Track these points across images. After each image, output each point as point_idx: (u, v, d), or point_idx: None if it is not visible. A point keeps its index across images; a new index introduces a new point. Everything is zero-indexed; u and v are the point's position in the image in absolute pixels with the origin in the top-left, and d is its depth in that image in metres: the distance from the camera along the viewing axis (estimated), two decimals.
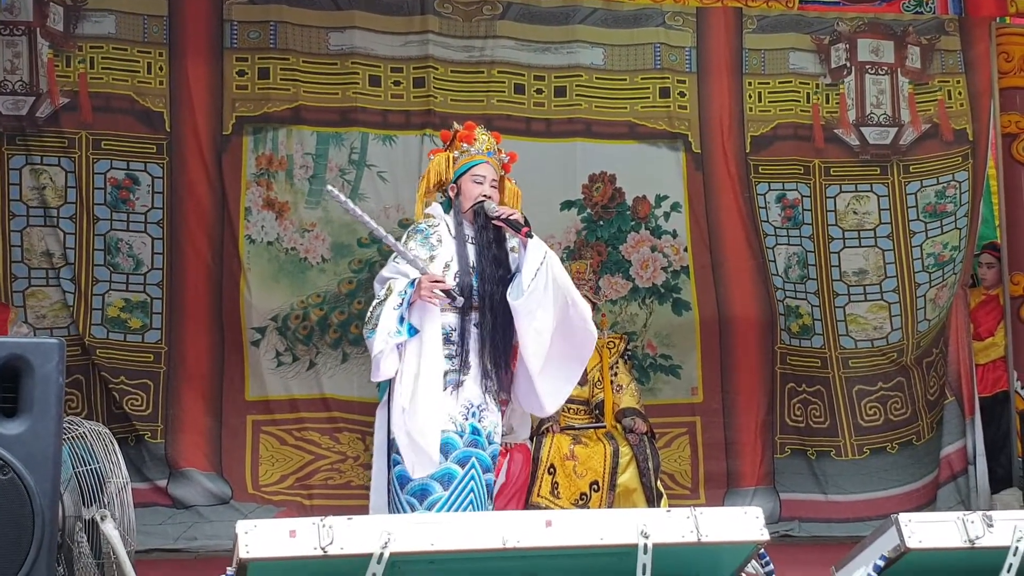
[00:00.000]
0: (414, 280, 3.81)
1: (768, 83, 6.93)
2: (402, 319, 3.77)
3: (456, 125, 4.15)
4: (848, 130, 6.95)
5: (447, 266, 3.91)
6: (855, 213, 6.93)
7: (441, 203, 4.10)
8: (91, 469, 3.78)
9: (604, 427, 5.84)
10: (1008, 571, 3.18)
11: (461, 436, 3.81)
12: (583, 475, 5.61)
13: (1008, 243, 6.97)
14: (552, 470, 5.60)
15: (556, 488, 5.58)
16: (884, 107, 6.96)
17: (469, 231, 3.98)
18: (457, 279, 3.89)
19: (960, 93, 6.96)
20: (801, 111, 6.93)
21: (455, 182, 4.04)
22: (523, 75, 6.76)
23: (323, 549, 2.79)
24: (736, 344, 6.79)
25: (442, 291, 3.79)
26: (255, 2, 6.57)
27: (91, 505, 3.75)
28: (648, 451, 5.72)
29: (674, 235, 6.84)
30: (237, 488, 6.31)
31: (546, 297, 3.84)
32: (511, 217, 3.91)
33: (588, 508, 5.47)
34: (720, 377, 6.77)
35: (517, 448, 5.45)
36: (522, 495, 5.50)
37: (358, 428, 6.38)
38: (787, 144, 6.92)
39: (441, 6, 6.69)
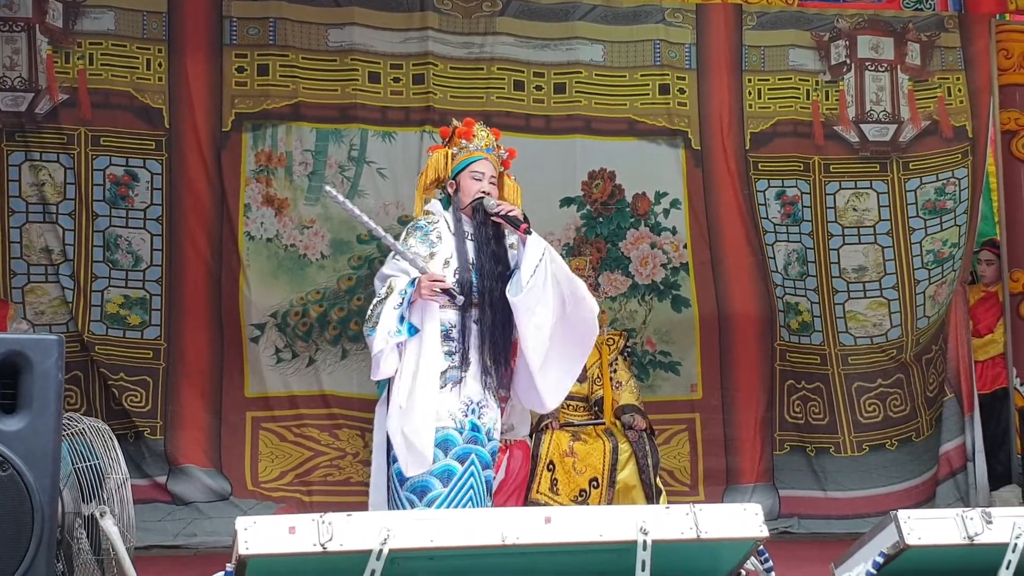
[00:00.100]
0: (414, 279, 3.81)
1: (768, 80, 6.93)
2: (402, 318, 3.77)
3: (455, 121, 4.14)
4: (848, 127, 6.95)
5: (447, 263, 3.91)
6: (855, 210, 6.93)
7: (440, 199, 4.10)
8: (90, 465, 3.78)
9: (603, 424, 5.84)
10: (1007, 568, 3.18)
11: (461, 433, 3.81)
12: (582, 472, 5.62)
13: (1007, 240, 6.97)
14: (551, 467, 5.60)
15: (555, 485, 5.58)
16: (884, 104, 6.96)
17: (468, 227, 3.98)
18: (457, 276, 3.88)
19: (960, 90, 6.96)
20: (801, 108, 6.93)
21: (454, 178, 4.03)
22: (523, 72, 6.76)
23: (322, 545, 2.79)
24: (735, 341, 6.79)
25: (442, 290, 3.78)
26: None
27: (90, 501, 3.75)
28: (647, 448, 5.72)
29: (674, 232, 6.84)
30: (237, 484, 6.31)
31: (545, 293, 3.84)
32: (510, 213, 3.91)
33: (587, 505, 5.47)
34: (719, 374, 6.77)
35: (516, 445, 5.45)
36: (521, 492, 5.51)
37: (357, 425, 6.38)
38: (787, 141, 6.92)
39: (441, 3, 6.69)
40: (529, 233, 3.86)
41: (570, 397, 5.74)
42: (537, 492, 5.54)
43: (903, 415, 6.83)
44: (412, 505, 3.72)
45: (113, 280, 6.39)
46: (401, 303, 3.77)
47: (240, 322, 6.42)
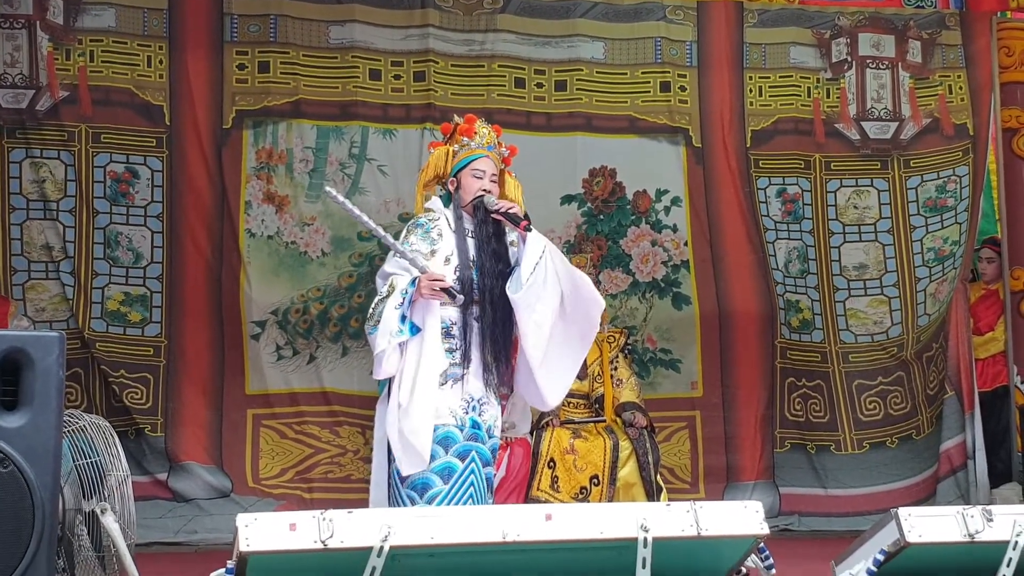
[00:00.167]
0: (415, 279, 3.81)
1: (769, 77, 6.93)
2: (404, 318, 3.76)
3: (457, 119, 4.14)
4: (849, 125, 6.94)
5: (447, 260, 3.91)
6: (855, 208, 6.93)
7: (441, 197, 4.10)
8: (91, 462, 3.78)
9: (604, 421, 5.84)
10: (1008, 566, 3.18)
11: (461, 430, 3.81)
12: (583, 469, 5.62)
13: (1008, 238, 6.96)
14: (552, 464, 5.60)
15: (556, 482, 5.58)
16: (885, 102, 6.96)
17: (469, 225, 3.98)
18: (457, 273, 3.88)
19: (961, 88, 6.96)
20: (802, 105, 6.92)
21: (455, 176, 4.03)
22: (523, 69, 6.75)
23: (323, 542, 2.79)
24: (736, 338, 6.79)
25: (442, 289, 3.78)
26: None
27: (91, 498, 3.75)
28: (648, 445, 5.72)
29: (674, 229, 6.84)
30: (237, 481, 6.32)
31: (545, 290, 3.84)
32: (510, 211, 3.90)
33: (588, 502, 5.47)
34: (720, 371, 6.78)
35: (517, 442, 5.45)
36: (522, 489, 5.51)
37: (358, 422, 6.39)
38: (788, 139, 6.92)
39: (442, 0, 6.68)
40: (529, 230, 3.86)
41: (571, 395, 5.74)
42: (538, 489, 5.54)
43: (904, 413, 6.83)
44: (413, 502, 3.72)
45: (114, 277, 6.39)
46: (402, 303, 3.77)
47: (241, 319, 6.42)
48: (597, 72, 6.81)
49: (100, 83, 6.36)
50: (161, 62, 6.44)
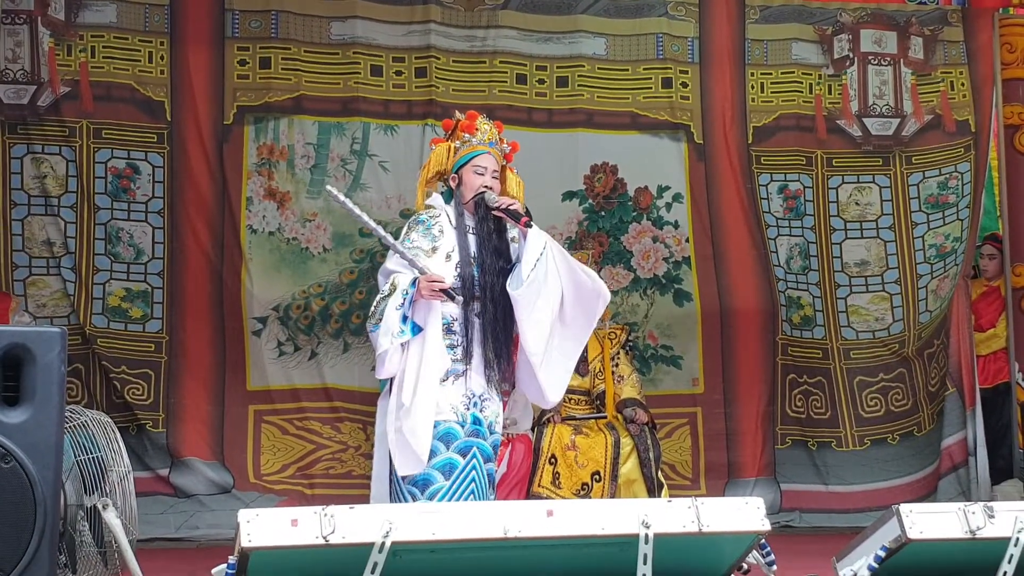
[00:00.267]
0: (415, 280, 3.80)
1: (770, 74, 6.92)
2: (405, 318, 3.76)
3: (458, 115, 4.13)
4: (850, 121, 6.94)
5: (448, 257, 3.90)
6: (857, 204, 6.93)
7: (442, 193, 4.09)
8: (93, 458, 3.78)
9: (605, 417, 5.84)
10: (1009, 562, 3.18)
11: (462, 426, 3.81)
12: (585, 465, 5.62)
13: (1010, 234, 6.96)
14: (553, 460, 5.60)
15: (557, 478, 5.58)
16: (887, 98, 6.96)
17: (470, 222, 3.97)
18: (458, 270, 3.88)
19: (963, 84, 6.95)
20: (804, 102, 6.92)
21: (456, 172, 4.03)
22: (525, 65, 6.75)
23: (325, 538, 2.79)
24: (737, 335, 6.79)
25: (441, 290, 3.78)
26: None
27: (93, 494, 3.75)
28: (649, 441, 5.72)
29: (676, 226, 6.83)
30: (239, 477, 6.32)
31: (546, 287, 3.84)
32: (511, 207, 3.90)
33: (590, 498, 5.47)
34: (721, 368, 6.77)
35: (518, 438, 5.45)
36: (523, 485, 5.51)
37: (359, 418, 6.39)
38: (789, 135, 6.91)
39: None
40: (530, 227, 3.86)
41: (572, 391, 5.75)
42: (539, 486, 5.54)
43: (905, 409, 6.83)
44: (414, 498, 3.72)
45: (115, 273, 6.39)
46: (403, 303, 3.77)
47: (242, 315, 6.42)
48: (599, 68, 6.80)
49: (101, 79, 6.36)
50: (162, 58, 6.44)
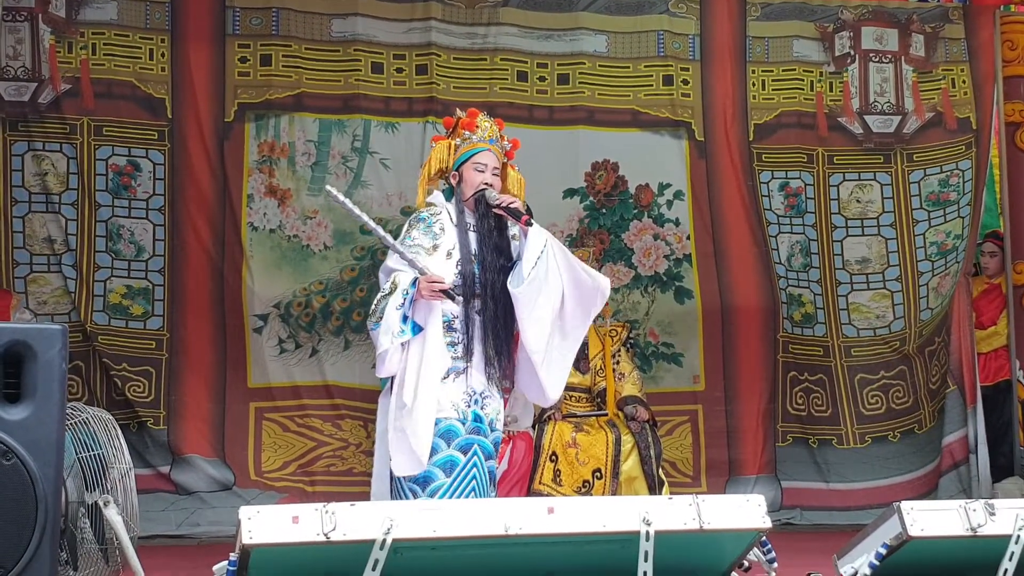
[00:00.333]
0: (416, 279, 3.80)
1: (772, 71, 6.92)
2: (405, 318, 3.77)
3: (459, 112, 4.13)
4: (852, 118, 6.94)
5: (449, 254, 3.91)
6: (858, 202, 6.92)
7: (443, 191, 4.09)
8: (94, 455, 3.78)
9: (606, 415, 5.84)
10: (1010, 559, 3.19)
11: (463, 424, 3.81)
12: (585, 463, 5.61)
13: (1011, 232, 6.96)
14: (554, 457, 5.60)
15: (558, 475, 5.58)
16: (888, 95, 6.95)
17: (471, 219, 3.97)
18: (459, 267, 3.88)
19: (964, 81, 6.95)
20: (805, 99, 6.92)
21: (457, 170, 4.02)
22: (526, 62, 6.75)
23: (326, 535, 2.79)
24: (738, 332, 6.79)
25: (441, 291, 3.78)
26: None
27: (94, 491, 3.75)
28: (650, 439, 5.72)
29: (677, 223, 6.83)
30: (240, 474, 6.33)
31: (547, 285, 3.84)
32: (511, 205, 3.90)
33: (591, 496, 5.47)
34: (722, 365, 6.77)
35: (519, 436, 5.46)
36: (524, 482, 5.51)
37: (360, 415, 6.39)
38: (790, 132, 6.91)
39: None
40: (531, 225, 3.86)
41: (573, 388, 5.75)
42: (540, 483, 5.54)
43: (906, 407, 6.83)
44: (415, 495, 3.72)
45: (116, 270, 6.40)
46: (403, 303, 3.77)
47: (243, 313, 6.43)
48: (600, 66, 6.80)
49: (102, 76, 6.36)
50: (163, 55, 6.43)
